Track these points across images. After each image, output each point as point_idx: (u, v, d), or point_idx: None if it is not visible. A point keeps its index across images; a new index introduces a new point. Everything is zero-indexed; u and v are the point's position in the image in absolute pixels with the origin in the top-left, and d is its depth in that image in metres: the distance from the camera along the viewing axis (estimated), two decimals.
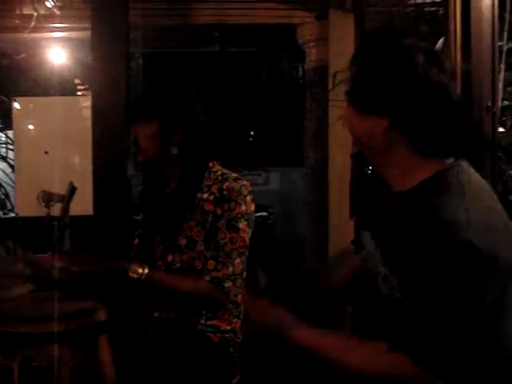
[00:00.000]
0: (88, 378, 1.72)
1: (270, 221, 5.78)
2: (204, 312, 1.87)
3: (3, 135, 4.96)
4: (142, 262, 1.78)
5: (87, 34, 2.97)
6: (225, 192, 1.82)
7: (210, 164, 1.91)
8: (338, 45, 3.82)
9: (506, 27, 2.64)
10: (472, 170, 1.30)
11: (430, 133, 1.25)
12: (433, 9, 3.47)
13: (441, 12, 2.96)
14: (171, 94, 1.88)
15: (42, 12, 3.63)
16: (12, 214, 4.34)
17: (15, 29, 3.75)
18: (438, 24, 2.94)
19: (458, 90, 2.49)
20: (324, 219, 4.03)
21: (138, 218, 2.07)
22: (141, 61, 4.59)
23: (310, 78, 4.24)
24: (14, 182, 4.17)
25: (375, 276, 1.32)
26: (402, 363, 1.17)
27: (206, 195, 1.85)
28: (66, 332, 1.67)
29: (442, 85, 1.24)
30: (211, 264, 1.80)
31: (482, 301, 1.15)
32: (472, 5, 2.44)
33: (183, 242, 1.85)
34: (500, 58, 2.57)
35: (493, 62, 2.47)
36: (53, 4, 3.62)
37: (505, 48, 2.65)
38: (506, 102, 2.91)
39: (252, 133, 7.27)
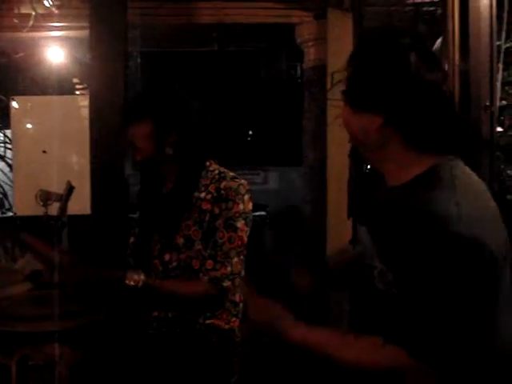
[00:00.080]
0: (85, 376, 1.72)
1: (268, 220, 5.79)
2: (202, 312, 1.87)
3: (1, 134, 4.96)
4: (137, 268, 1.75)
5: (85, 32, 2.97)
6: (222, 191, 1.82)
7: (207, 163, 1.90)
8: (337, 44, 3.82)
9: (504, 27, 2.65)
10: (467, 168, 1.32)
11: (422, 129, 1.27)
12: (431, 8, 3.48)
13: (439, 11, 2.96)
14: (166, 95, 1.87)
15: (41, 11, 3.64)
16: (10, 213, 4.34)
17: (13, 28, 3.75)
18: (437, 23, 2.95)
19: (457, 89, 2.50)
20: (322, 219, 4.03)
21: (134, 216, 2.06)
22: (139, 60, 4.59)
23: (309, 78, 4.24)
24: (11, 181, 4.18)
25: (371, 271, 1.34)
26: (398, 356, 1.18)
27: (203, 194, 1.84)
28: (63, 331, 1.67)
29: (434, 82, 1.26)
30: (209, 264, 1.79)
31: (474, 293, 1.17)
32: (470, 4, 2.45)
33: (181, 241, 1.85)
34: (498, 57, 2.58)
35: (491, 61, 2.48)
36: (51, 3, 3.63)
37: (503, 47, 2.65)
38: (504, 102, 2.92)
39: (250, 132, 7.27)
